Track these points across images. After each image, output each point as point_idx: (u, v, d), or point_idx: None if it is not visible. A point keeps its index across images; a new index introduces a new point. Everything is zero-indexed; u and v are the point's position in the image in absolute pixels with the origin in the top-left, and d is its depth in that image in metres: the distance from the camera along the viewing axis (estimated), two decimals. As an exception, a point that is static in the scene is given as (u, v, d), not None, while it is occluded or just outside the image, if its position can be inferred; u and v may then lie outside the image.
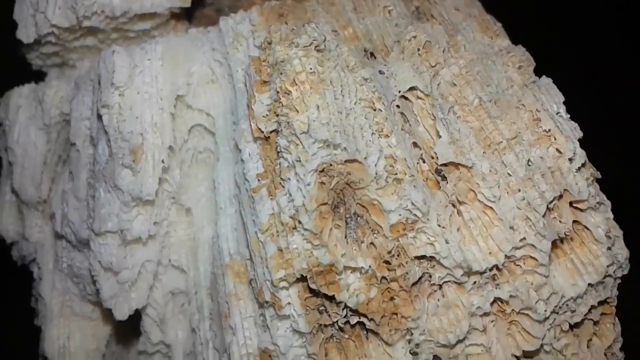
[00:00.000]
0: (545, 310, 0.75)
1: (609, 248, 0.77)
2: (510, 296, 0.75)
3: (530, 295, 0.74)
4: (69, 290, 1.06)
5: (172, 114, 0.93)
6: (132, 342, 1.13)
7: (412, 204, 0.73)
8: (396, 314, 0.74)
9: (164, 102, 0.93)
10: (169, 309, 1.00)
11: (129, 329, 1.11)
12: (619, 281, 0.80)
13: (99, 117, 0.92)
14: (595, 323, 0.80)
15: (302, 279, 0.76)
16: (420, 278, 0.74)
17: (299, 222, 0.74)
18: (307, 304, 0.76)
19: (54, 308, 1.06)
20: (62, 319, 1.06)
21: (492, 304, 0.75)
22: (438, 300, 0.75)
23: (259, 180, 0.81)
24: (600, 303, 0.79)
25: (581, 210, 0.77)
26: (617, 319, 0.82)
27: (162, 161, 0.91)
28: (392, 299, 0.74)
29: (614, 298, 0.80)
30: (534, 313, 0.75)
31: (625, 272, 0.80)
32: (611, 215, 0.78)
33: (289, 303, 0.77)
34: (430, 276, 0.74)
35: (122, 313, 0.96)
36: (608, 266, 0.77)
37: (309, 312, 0.76)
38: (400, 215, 0.74)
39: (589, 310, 0.79)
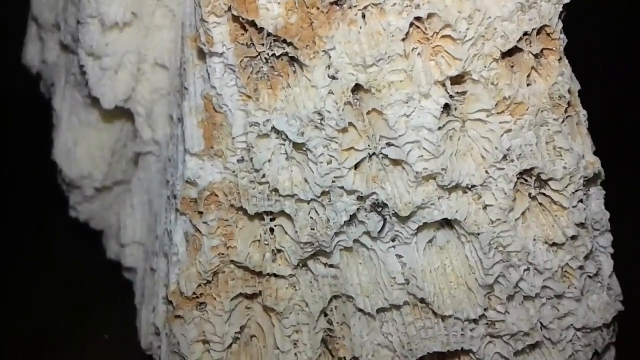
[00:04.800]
0: (468, 29, 0.72)
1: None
2: (430, 14, 0.72)
3: (450, 12, 0.72)
4: (76, 101, 1.14)
5: None
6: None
7: None
8: (315, 39, 0.74)
9: None
10: (157, 108, 1.05)
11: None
12: (560, 9, 0.74)
13: None
14: (537, 57, 0.75)
15: (233, 19, 0.78)
16: (340, 2, 0.74)
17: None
18: (238, 40, 0.78)
19: (63, 117, 1.15)
20: (70, 127, 1.15)
21: (412, 26, 0.73)
22: (360, 28, 0.74)
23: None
24: (539, 32, 0.75)
25: None
26: (566, 59, 0.77)
27: None
28: (311, 24, 0.74)
29: (556, 30, 0.75)
30: (454, 32, 0.72)
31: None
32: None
33: (221, 42, 0.79)
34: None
35: (108, 102, 1.03)
36: (541, -15, 0.72)
37: (237, 47, 0.78)
38: (318, -63, 0.73)
39: (526, 40, 0.74)
